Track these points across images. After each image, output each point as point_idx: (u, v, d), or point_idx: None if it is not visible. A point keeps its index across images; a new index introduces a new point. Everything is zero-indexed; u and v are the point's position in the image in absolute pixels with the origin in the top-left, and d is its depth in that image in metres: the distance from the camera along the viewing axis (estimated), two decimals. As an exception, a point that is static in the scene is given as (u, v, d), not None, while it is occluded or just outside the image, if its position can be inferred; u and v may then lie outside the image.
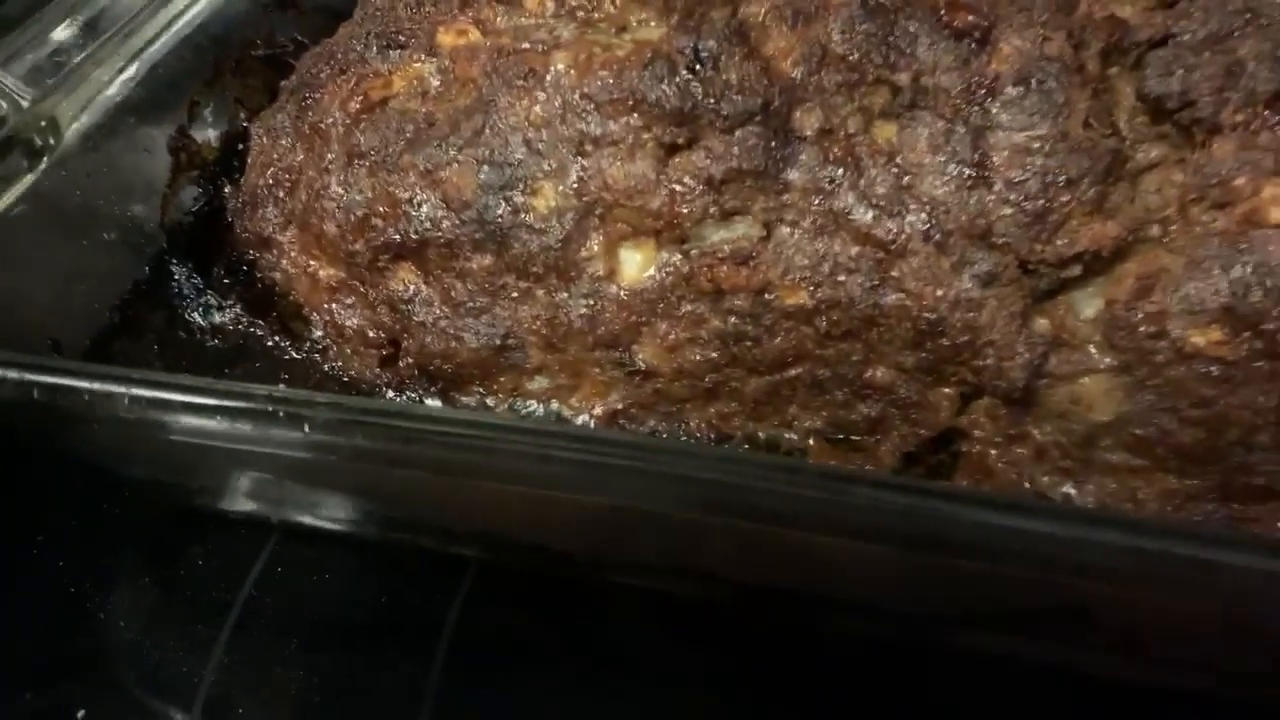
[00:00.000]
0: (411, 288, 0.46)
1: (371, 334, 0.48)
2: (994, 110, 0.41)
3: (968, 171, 0.41)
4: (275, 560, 0.47)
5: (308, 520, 0.45)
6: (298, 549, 0.46)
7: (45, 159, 0.46)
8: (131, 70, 0.50)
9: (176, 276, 0.50)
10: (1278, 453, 0.40)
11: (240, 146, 0.54)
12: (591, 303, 0.44)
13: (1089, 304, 0.42)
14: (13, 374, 0.35)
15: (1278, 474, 0.40)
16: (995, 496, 0.35)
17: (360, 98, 0.47)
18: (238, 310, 0.50)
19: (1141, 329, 0.40)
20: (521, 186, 0.44)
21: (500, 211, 0.44)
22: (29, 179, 0.45)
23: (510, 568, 0.45)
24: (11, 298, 0.44)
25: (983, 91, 0.42)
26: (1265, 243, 0.39)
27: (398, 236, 0.46)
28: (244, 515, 0.46)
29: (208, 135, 0.54)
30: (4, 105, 0.46)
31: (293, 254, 0.49)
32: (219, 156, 0.53)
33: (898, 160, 0.42)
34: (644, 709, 0.43)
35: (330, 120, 0.48)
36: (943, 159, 0.42)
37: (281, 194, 0.49)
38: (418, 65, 0.47)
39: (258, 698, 0.43)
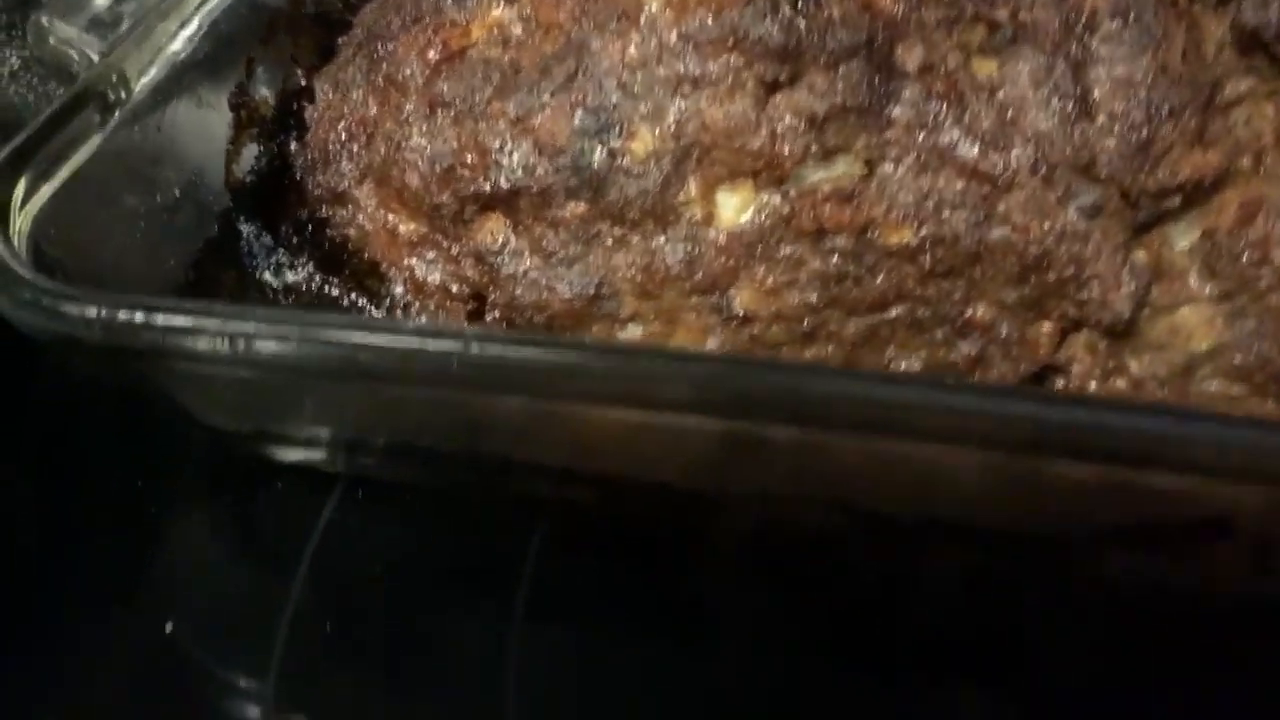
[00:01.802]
0: (500, 239, 0.46)
1: (455, 288, 0.47)
2: (1093, 44, 0.42)
3: (1070, 105, 0.42)
4: (344, 510, 0.46)
5: (380, 467, 0.45)
6: (370, 498, 0.46)
7: (116, 113, 0.45)
8: (193, 25, 0.48)
9: (245, 235, 0.49)
10: (1375, 378, 0.41)
11: (296, 106, 0.52)
12: (688, 247, 0.44)
13: (1184, 236, 0.42)
14: (108, 312, 0.34)
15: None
16: (1144, 401, 0.36)
17: (439, 47, 0.47)
18: (310, 269, 0.49)
19: (1244, 256, 0.41)
20: (617, 130, 0.44)
21: (596, 157, 0.44)
22: (102, 134, 0.44)
23: (587, 513, 0.45)
24: (88, 255, 0.43)
25: (1080, 26, 0.42)
26: (1367, 168, 0.40)
27: (487, 186, 0.45)
28: (316, 463, 0.45)
29: (263, 93, 0.52)
30: (75, 57, 0.45)
31: (369, 209, 0.48)
32: (275, 115, 0.52)
33: (1000, 95, 0.42)
34: (736, 657, 0.43)
35: (407, 72, 0.47)
36: (1045, 93, 0.42)
37: (356, 148, 0.48)
38: (496, 13, 0.47)
39: (336, 654, 0.43)
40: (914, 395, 0.32)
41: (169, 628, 0.43)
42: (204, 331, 0.34)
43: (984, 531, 0.40)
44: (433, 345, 0.34)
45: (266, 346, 0.34)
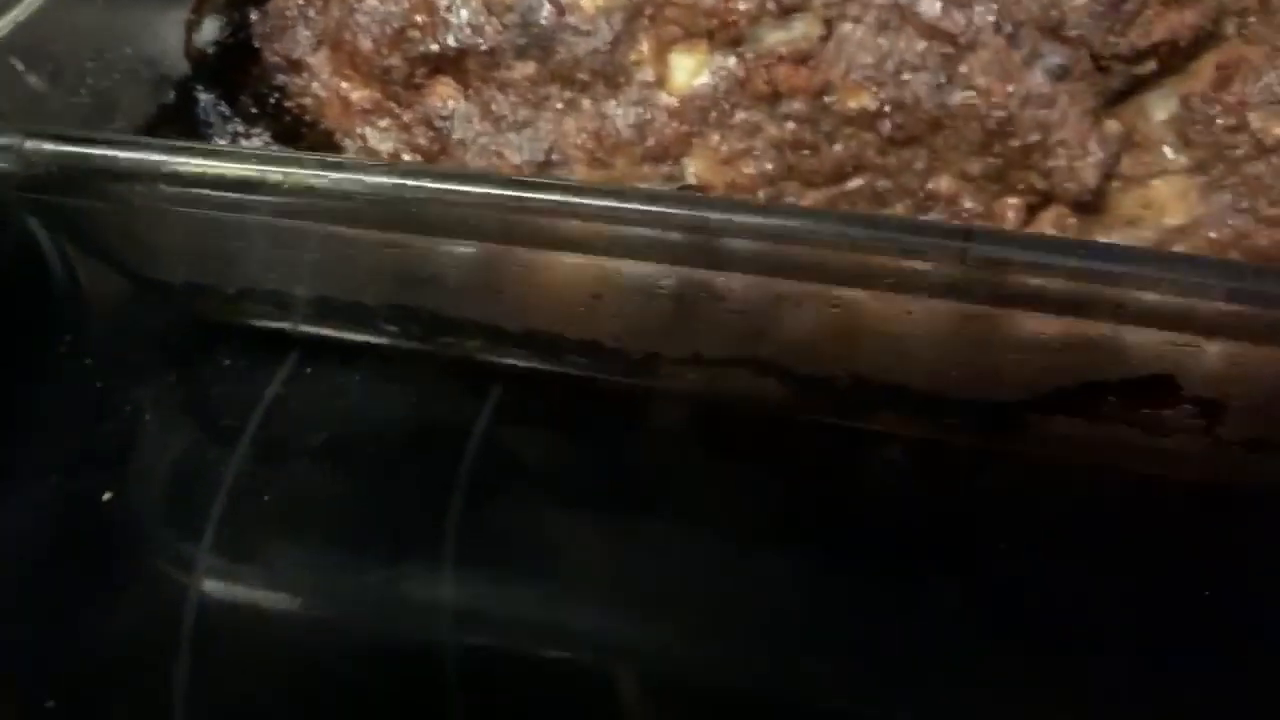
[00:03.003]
0: (450, 103, 0.45)
1: (408, 157, 0.46)
2: (1063, -106, 0.40)
3: (1039, -41, 0.39)
4: (296, 374, 0.46)
5: (332, 331, 0.45)
6: (319, 364, 0.46)
7: (68, -32, 0.44)
8: (154, -109, 0.47)
9: (202, 103, 0.48)
10: (1354, 252, 0.39)
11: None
12: (640, 112, 0.43)
13: (1161, 106, 0.40)
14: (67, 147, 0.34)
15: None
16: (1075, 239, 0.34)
17: (394, -92, 0.45)
18: (266, 139, 0.48)
19: (1219, 122, 0.39)
20: (567, -14, 0.42)
21: (544, 13, 0.42)
22: (49, -14, 0.43)
23: (541, 384, 0.44)
24: (30, 109, 0.42)
25: (1051, -126, 0.40)
26: (1352, 25, 0.38)
27: (436, 46, 0.44)
28: (267, 328, 0.45)
29: (230, -35, 0.51)
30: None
31: (324, 76, 0.47)
32: (243, -14, 0.51)
33: (965, -51, 0.40)
34: (689, 536, 0.42)
35: (363, -67, 0.46)
36: (1013, -55, 0.40)
37: (312, 13, 0.47)
38: (451, -127, 0.45)
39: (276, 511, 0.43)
40: (824, 228, 0.30)
41: (107, 496, 0.44)
42: (126, 160, 0.33)
43: (931, 402, 0.38)
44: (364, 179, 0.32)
45: (190, 174, 0.33)
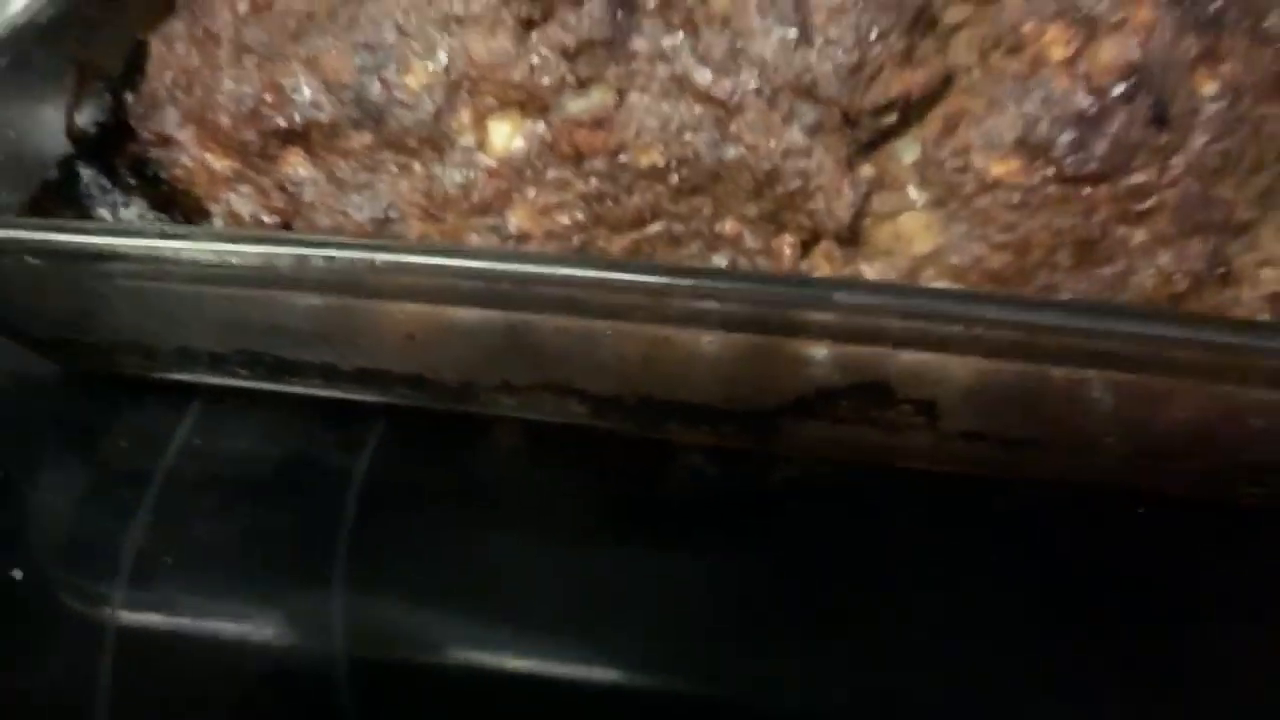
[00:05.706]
0: (300, 170, 0.50)
1: (266, 218, 0.52)
2: (812, -25, 0.46)
3: (792, 32, 0.46)
4: (196, 426, 0.51)
5: (229, 382, 0.50)
6: (219, 413, 0.51)
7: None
8: (33, -11, 0.53)
9: (84, 178, 0.54)
10: (1077, 271, 0.46)
11: (140, 62, 0.57)
12: (465, 172, 0.49)
13: (908, 151, 0.47)
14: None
15: (1078, 291, 0.46)
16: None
17: (247, 1, 0.51)
18: (144, 206, 0.53)
19: (949, 164, 0.45)
20: (394, 67, 0.48)
21: (376, 91, 0.48)
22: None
23: (424, 414, 0.50)
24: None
25: (802, -39, 0.46)
26: (1049, 78, 0.44)
27: (284, 121, 0.50)
28: (168, 381, 0.50)
29: (109, 51, 0.57)
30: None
31: (191, 150, 0.53)
32: (122, 71, 0.57)
33: (731, 26, 0.47)
34: (513, 541, 0.47)
35: (221, 22, 0.52)
36: (770, 22, 0.46)
37: (179, 94, 0.53)
38: (298, -32, 0.51)
39: (181, 557, 0.47)
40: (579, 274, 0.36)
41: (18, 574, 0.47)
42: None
43: (704, 413, 0.44)
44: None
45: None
